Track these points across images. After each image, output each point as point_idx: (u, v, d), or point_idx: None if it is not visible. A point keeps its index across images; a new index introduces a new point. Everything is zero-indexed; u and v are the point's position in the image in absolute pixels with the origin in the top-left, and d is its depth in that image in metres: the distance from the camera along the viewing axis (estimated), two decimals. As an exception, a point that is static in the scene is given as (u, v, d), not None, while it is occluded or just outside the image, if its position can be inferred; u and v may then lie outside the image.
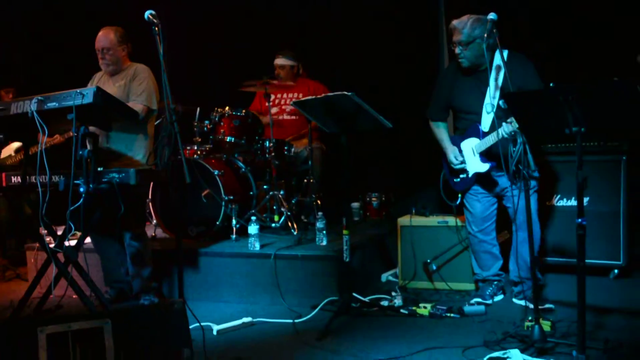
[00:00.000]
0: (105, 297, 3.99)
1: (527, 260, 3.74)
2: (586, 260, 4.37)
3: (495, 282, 4.17)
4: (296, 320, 3.87)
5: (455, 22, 3.91)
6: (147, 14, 3.38)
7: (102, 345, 2.41)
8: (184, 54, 6.76)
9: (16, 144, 5.66)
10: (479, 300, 4.05)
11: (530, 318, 3.29)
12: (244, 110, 5.29)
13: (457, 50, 3.93)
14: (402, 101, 5.74)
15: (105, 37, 4.27)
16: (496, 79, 3.90)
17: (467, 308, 3.87)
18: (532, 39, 5.11)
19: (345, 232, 3.90)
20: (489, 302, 4.05)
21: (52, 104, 3.48)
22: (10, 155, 5.71)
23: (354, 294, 4.05)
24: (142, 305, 4.10)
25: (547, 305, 3.80)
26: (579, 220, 2.77)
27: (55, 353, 2.35)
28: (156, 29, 3.39)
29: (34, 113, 3.45)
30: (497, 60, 3.85)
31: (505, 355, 2.85)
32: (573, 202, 4.55)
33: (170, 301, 3.15)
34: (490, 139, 3.84)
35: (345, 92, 3.63)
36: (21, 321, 2.96)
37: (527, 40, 5.01)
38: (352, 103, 3.67)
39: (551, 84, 2.71)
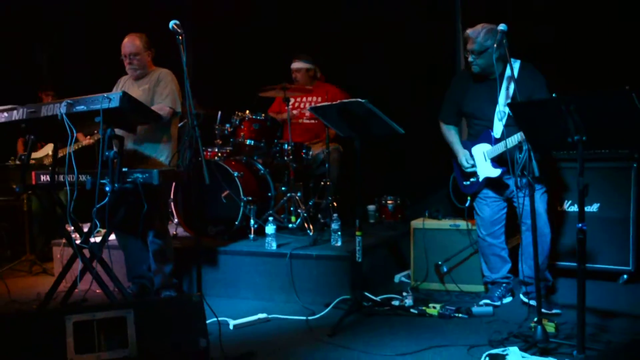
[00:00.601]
0: (127, 292, 4.16)
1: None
2: (596, 265, 4.55)
3: (504, 285, 4.28)
4: (309, 318, 4.02)
5: (469, 32, 4.02)
6: (172, 23, 3.53)
7: (124, 333, 2.59)
8: (208, 59, 6.98)
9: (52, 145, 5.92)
10: (488, 301, 4.15)
11: (535, 319, 3.39)
12: (263, 114, 5.46)
13: (470, 58, 4.05)
14: (418, 104, 5.86)
15: (131, 43, 4.44)
16: (507, 88, 4.01)
17: (475, 309, 3.98)
18: (545, 47, 5.19)
19: (357, 233, 4.03)
20: (498, 303, 4.16)
21: (81, 107, 3.66)
22: (47, 155, 5.97)
23: (366, 293, 4.19)
24: (160, 296, 4.28)
25: (554, 311, 3.90)
26: (580, 225, 2.88)
27: (81, 340, 2.53)
28: (180, 37, 3.55)
29: (64, 116, 3.63)
30: (509, 69, 3.97)
31: (505, 352, 2.96)
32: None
33: (189, 295, 3.32)
34: (502, 146, 3.95)
35: (359, 99, 3.78)
36: (50, 310, 3.15)
37: (539, 48, 5.09)
38: (365, 110, 3.82)
39: (554, 94, 2.82)
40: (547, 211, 4.09)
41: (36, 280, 5.41)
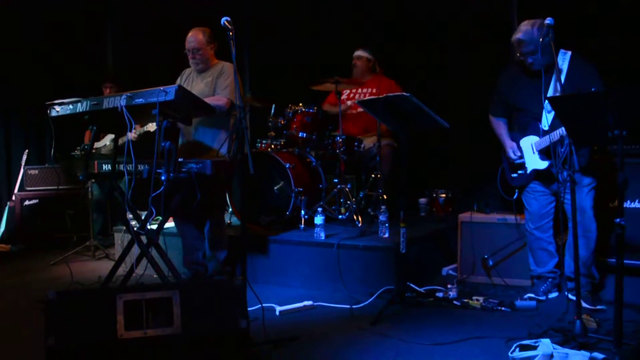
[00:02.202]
0: (181, 277, 4.37)
1: (581, 256, 3.80)
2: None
3: (550, 279, 4.26)
4: (354, 306, 4.12)
5: (520, 35, 3.95)
6: (223, 20, 3.68)
7: (170, 312, 2.76)
8: (265, 53, 7.15)
9: (112, 135, 6.20)
10: (533, 295, 4.15)
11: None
12: (315, 107, 5.58)
13: (529, 59, 3.96)
14: (474, 97, 5.85)
15: (194, 38, 4.62)
16: (557, 80, 3.98)
17: (518, 302, 3.99)
18: (601, 37, 5.11)
19: (402, 225, 4.11)
20: (542, 298, 4.15)
21: (139, 100, 3.85)
22: (105, 145, 6.26)
23: (410, 284, 4.25)
24: (208, 279, 4.47)
25: (598, 307, 3.88)
26: (618, 220, 2.87)
27: (130, 317, 2.72)
28: (230, 33, 3.70)
29: (123, 108, 3.85)
30: (559, 61, 3.94)
31: (536, 344, 2.99)
32: (637, 204, 4.53)
33: (232, 279, 3.48)
34: (549, 138, 3.94)
35: (404, 93, 3.85)
36: (103, 290, 3.37)
37: (596, 38, 5.02)
38: (411, 104, 3.88)
39: (593, 89, 2.82)
40: (595, 207, 4.05)
41: (98, 265, 5.70)
